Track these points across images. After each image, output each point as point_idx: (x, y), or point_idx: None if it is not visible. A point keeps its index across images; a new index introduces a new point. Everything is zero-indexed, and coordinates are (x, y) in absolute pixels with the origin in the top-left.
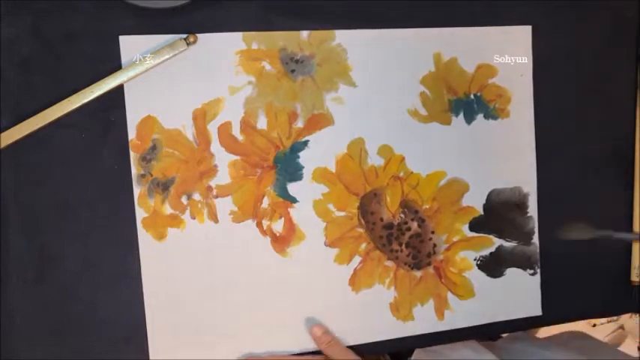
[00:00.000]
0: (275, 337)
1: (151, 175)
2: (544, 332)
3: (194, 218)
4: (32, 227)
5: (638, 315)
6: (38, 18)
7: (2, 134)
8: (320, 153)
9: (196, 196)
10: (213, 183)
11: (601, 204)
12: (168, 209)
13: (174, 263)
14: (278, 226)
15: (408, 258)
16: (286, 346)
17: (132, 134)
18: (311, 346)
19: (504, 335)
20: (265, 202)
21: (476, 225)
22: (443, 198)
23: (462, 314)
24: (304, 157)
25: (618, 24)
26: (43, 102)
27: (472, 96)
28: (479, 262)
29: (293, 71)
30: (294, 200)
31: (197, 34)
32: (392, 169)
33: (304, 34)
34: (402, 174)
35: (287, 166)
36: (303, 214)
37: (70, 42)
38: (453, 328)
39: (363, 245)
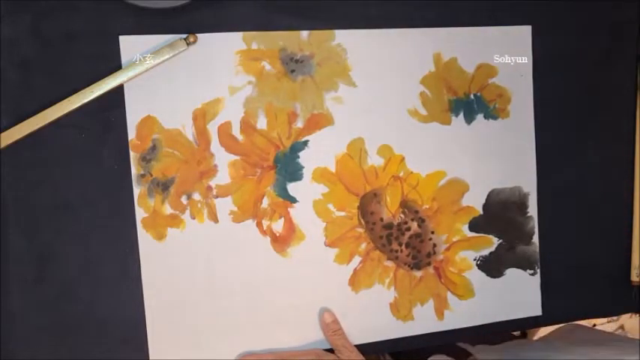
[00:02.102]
0: (275, 338)
1: (151, 175)
2: (544, 332)
3: (194, 218)
4: (32, 227)
5: (638, 315)
6: (38, 18)
7: (2, 134)
8: (320, 153)
9: (196, 196)
10: (213, 183)
11: (601, 204)
12: (168, 209)
13: (174, 263)
14: (278, 226)
15: (407, 258)
16: (286, 347)
17: (132, 134)
18: (310, 342)
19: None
20: (265, 202)
21: (476, 225)
22: (443, 198)
23: (461, 314)
24: (304, 157)
25: (618, 24)
26: (43, 102)
27: (472, 96)
28: (479, 262)
29: (293, 71)
30: (294, 200)
31: (197, 34)
32: (392, 169)
33: (304, 34)
34: (401, 174)
35: (287, 166)
36: (303, 214)
37: (70, 42)
38: (452, 328)
39: (363, 245)
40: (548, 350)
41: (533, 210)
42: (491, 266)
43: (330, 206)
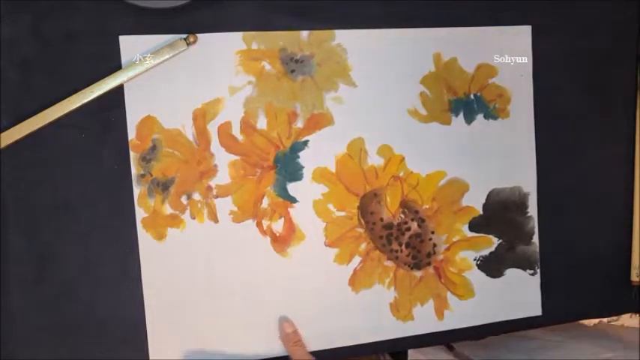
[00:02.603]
0: (275, 337)
1: (151, 175)
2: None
3: (194, 218)
4: (32, 227)
5: (638, 315)
6: (38, 18)
7: (2, 134)
8: (320, 153)
9: (196, 196)
10: (213, 183)
11: (601, 204)
12: (168, 209)
13: (174, 263)
14: (278, 226)
15: (407, 258)
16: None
17: (132, 134)
18: (310, 345)
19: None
20: (265, 202)
21: (476, 225)
22: (443, 198)
23: (461, 314)
24: (304, 157)
25: (618, 24)
26: (43, 102)
27: (472, 96)
28: (479, 262)
29: (293, 71)
30: (294, 200)
31: (197, 34)
32: (392, 169)
33: (304, 34)
34: (401, 174)
35: (287, 166)
36: (303, 214)
37: (70, 42)
38: (452, 328)
39: (363, 245)
40: (537, 349)
41: (533, 210)
42: (491, 266)
43: (330, 206)
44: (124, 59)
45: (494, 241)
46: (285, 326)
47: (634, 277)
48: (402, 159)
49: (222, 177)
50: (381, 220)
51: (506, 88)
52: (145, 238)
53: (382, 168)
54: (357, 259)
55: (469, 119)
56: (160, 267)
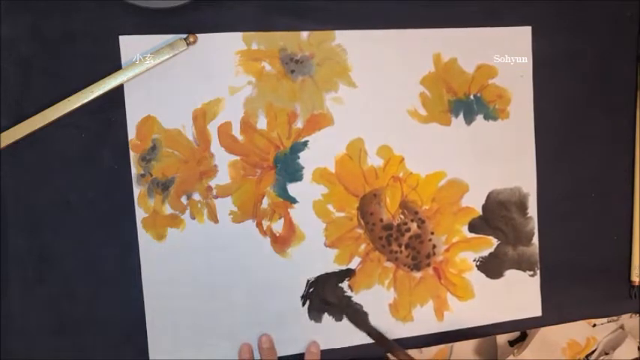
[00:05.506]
0: (275, 338)
1: (151, 175)
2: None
3: (194, 218)
4: (32, 227)
5: (638, 315)
6: (38, 18)
7: (2, 134)
8: (320, 153)
9: (196, 196)
10: (213, 183)
11: (601, 204)
12: (168, 209)
13: (174, 263)
14: (278, 227)
15: (407, 259)
16: (286, 347)
17: (132, 134)
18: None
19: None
20: (265, 203)
21: (475, 226)
22: (442, 199)
23: (461, 315)
24: (304, 158)
25: (618, 24)
26: (43, 102)
27: (472, 96)
28: (478, 263)
29: (293, 71)
30: (293, 200)
31: (197, 34)
32: (391, 170)
33: (304, 34)
34: (401, 174)
35: (287, 167)
36: (302, 214)
37: (70, 42)
38: (452, 329)
39: (363, 246)
40: None
41: (533, 211)
42: (491, 267)
43: (330, 207)
44: (124, 59)
45: (494, 242)
46: (263, 340)
47: (634, 277)
48: (402, 159)
49: (222, 177)
50: (381, 220)
51: (506, 89)
52: (145, 238)
53: (382, 168)
54: (356, 260)
55: (469, 120)
56: (160, 267)
